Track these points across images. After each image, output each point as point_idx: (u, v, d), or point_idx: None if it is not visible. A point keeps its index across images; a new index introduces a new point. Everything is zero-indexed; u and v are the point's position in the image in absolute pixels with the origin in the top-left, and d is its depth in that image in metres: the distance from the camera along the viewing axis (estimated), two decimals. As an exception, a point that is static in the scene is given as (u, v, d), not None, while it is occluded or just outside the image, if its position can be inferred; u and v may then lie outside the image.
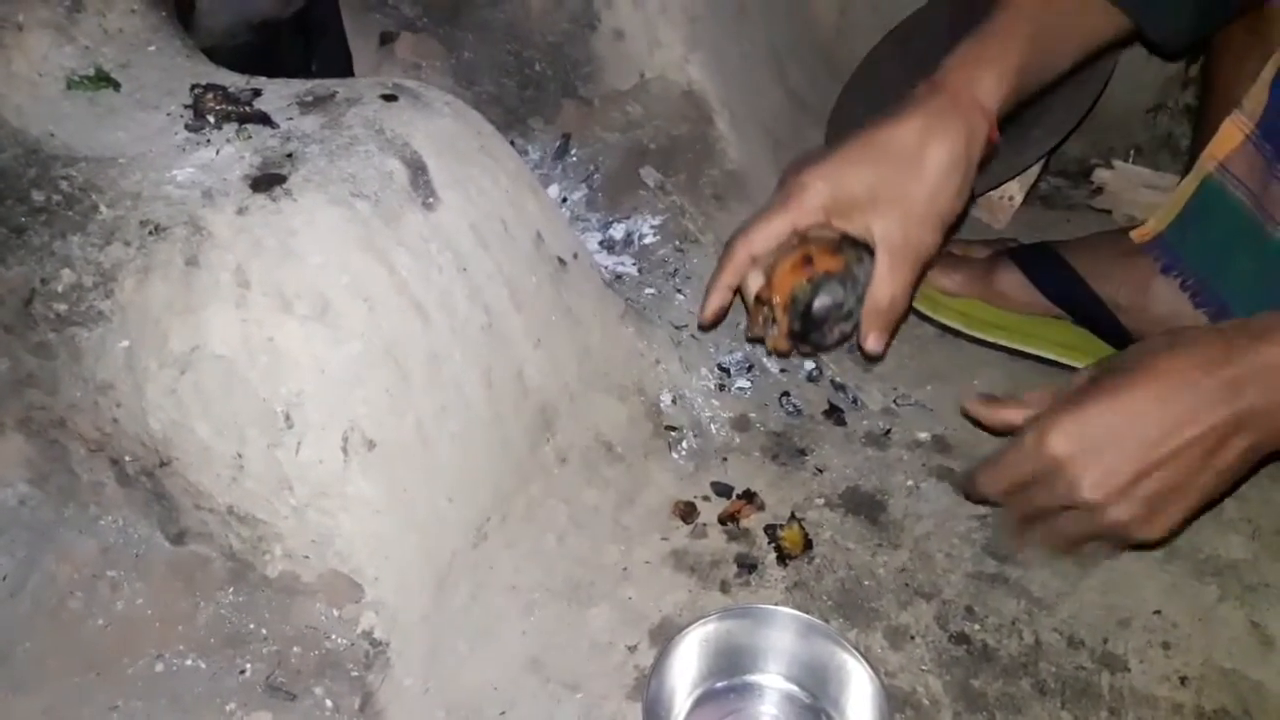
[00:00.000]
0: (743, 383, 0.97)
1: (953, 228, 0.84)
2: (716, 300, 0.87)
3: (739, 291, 0.89)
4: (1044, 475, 0.68)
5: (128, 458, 0.73)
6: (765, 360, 0.99)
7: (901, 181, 0.79)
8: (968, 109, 0.79)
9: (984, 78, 0.80)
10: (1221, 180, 0.91)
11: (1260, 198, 0.87)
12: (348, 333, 0.73)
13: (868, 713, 0.67)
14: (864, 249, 0.84)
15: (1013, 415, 0.75)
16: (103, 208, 0.75)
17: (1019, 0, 0.83)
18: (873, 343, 0.83)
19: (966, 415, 0.81)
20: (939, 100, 0.80)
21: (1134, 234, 0.98)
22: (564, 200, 1.10)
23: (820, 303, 0.84)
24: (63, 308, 0.73)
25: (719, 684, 0.72)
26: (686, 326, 0.98)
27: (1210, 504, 0.69)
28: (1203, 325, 0.69)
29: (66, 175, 0.78)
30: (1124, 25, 0.86)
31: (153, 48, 0.91)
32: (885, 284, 0.82)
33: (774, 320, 0.86)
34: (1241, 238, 0.89)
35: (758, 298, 0.87)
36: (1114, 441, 0.65)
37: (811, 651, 0.70)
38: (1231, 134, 0.89)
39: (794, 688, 0.71)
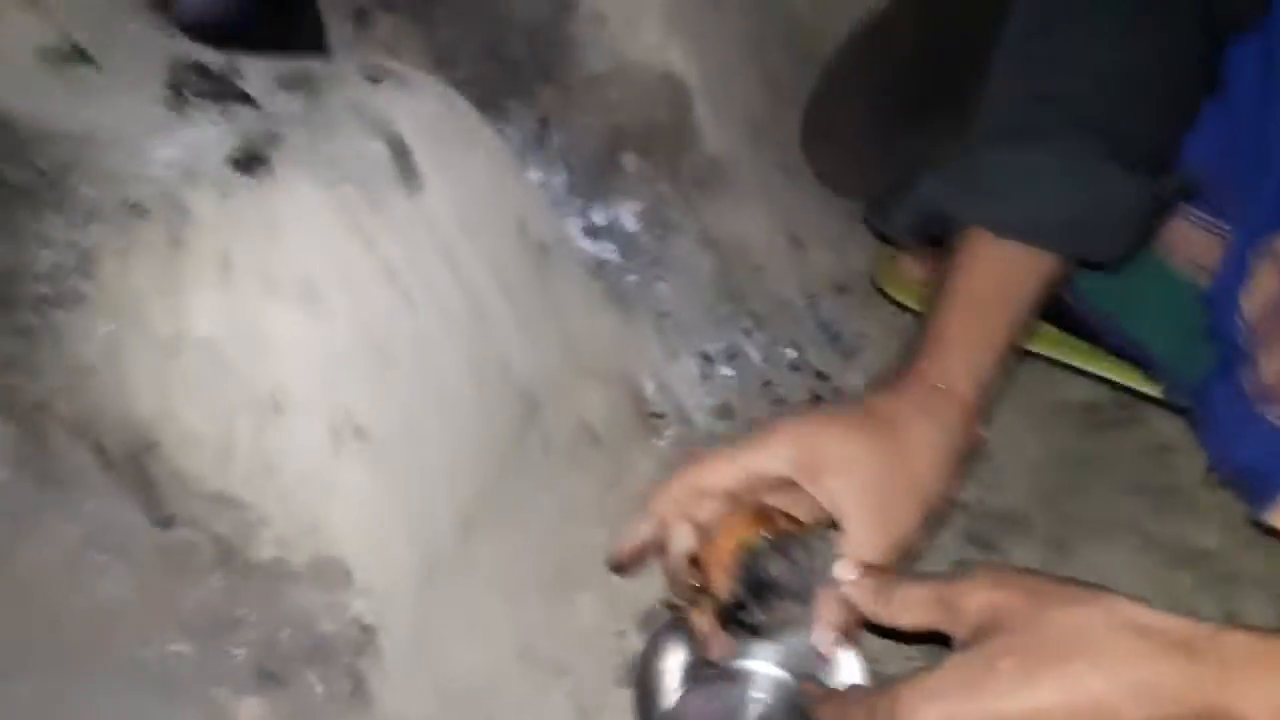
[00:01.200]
0: (726, 370, 0.97)
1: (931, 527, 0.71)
2: (643, 531, 0.69)
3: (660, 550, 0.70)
4: None
5: (111, 442, 0.72)
6: (748, 348, 0.99)
7: (885, 451, 0.66)
8: (948, 399, 0.70)
9: (955, 368, 0.70)
10: None
11: (1161, 234, 0.82)
12: (335, 318, 0.72)
13: None
14: (829, 530, 0.68)
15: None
16: (81, 187, 0.74)
17: (960, 288, 0.73)
18: (824, 639, 0.65)
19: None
20: (920, 386, 0.70)
21: None
22: (543, 185, 1.09)
23: (777, 566, 0.65)
24: (43, 289, 0.72)
25: (708, 670, 0.72)
26: (669, 314, 0.99)
27: None
28: (1167, 621, 0.48)
29: (43, 153, 0.76)
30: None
31: (128, 23, 0.89)
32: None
33: (702, 588, 0.67)
34: (1144, 277, 0.84)
35: (692, 558, 0.68)
36: None
37: (800, 638, 0.71)
38: None
39: (783, 674, 0.72)
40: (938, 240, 0.77)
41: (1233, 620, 0.78)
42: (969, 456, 0.72)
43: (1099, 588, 0.50)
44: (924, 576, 0.59)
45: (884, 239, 1.01)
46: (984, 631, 0.51)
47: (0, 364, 0.72)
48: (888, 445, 0.66)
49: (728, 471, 0.67)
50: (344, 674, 0.69)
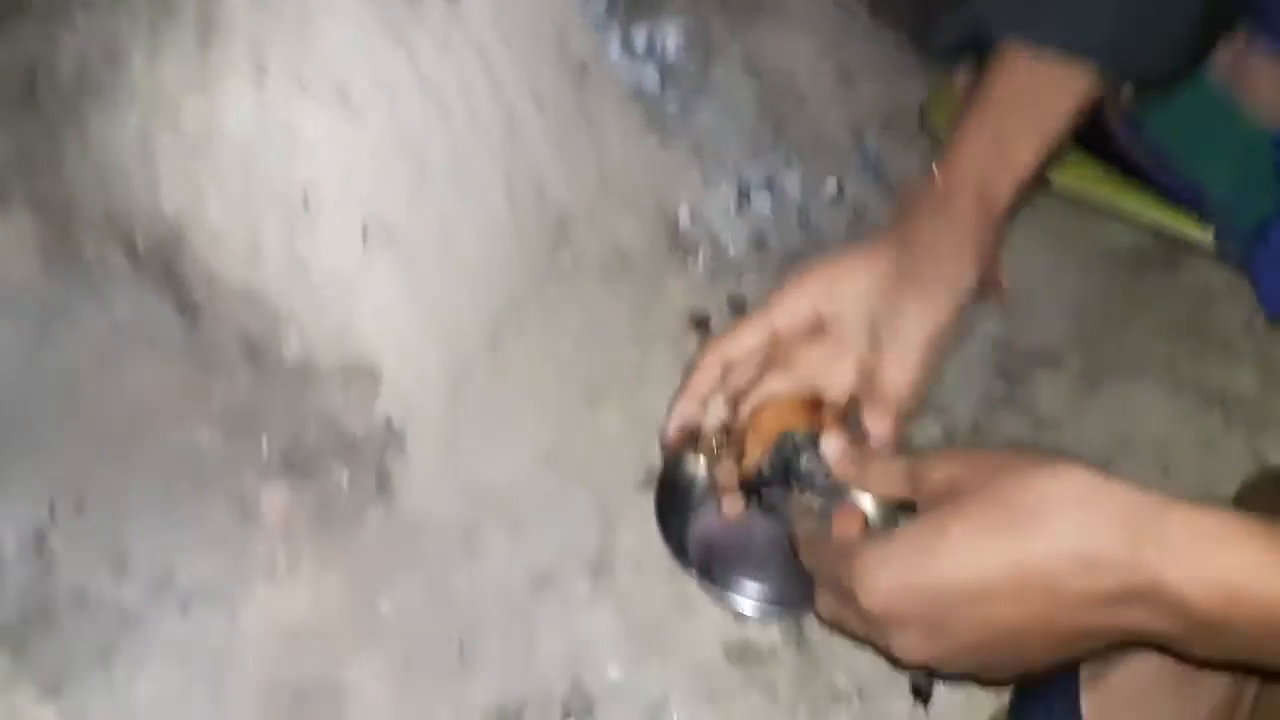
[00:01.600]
0: (762, 201, 0.95)
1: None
2: (684, 411, 0.68)
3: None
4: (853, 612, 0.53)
5: (140, 239, 0.72)
6: (786, 180, 0.97)
7: (898, 262, 0.66)
8: (961, 196, 0.68)
9: (969, 170, 0.68)
10: None
11: (1231, 70, 0.80)
12: (368, 120, 0.72)
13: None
14: None
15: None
16: (109, -24, 0.73)
17: (984, 100, 0.70)
18: (878, 427, 0.65)
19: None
20: (931, 192, 0.68)
21: None
22: (584, 6, 1.06)
23: (809, 459, 0.65)
24: (68, 84, 0.72)
25: None
26: (708, 142, 0.96)
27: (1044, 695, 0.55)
28: (1117, 493, 0.46)
29: (69, -58, 0.75)
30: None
31: None
32: (892, 375, 0.65)
33: (732, 452, 0.68)
34: (1210, 114, 0.83)
35: (728, 429, 0.69)
36: (943, 621, 0.49)
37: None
38: None
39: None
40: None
41: (1259, 462, 0.78)
42: (992, 252, 0.69)
43: (1059, 457, 0.50)
44: (899, 455, 0.60)
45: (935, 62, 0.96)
46: (941, 500, 0.52)
47: (26, 158, 0.72)
48: (901, 256, 0.66)
49: (754, 332, 0.68)
50: (369, 469, 0.70)
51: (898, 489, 0.57)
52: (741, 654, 0.67)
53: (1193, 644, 0.45)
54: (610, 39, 1.01)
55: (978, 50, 0.74)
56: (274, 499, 0.68)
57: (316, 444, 0.70)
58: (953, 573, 0.48)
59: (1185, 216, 0.93)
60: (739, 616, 0.69)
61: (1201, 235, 0.93)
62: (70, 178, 0.72)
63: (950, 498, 0.50)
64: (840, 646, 0.68)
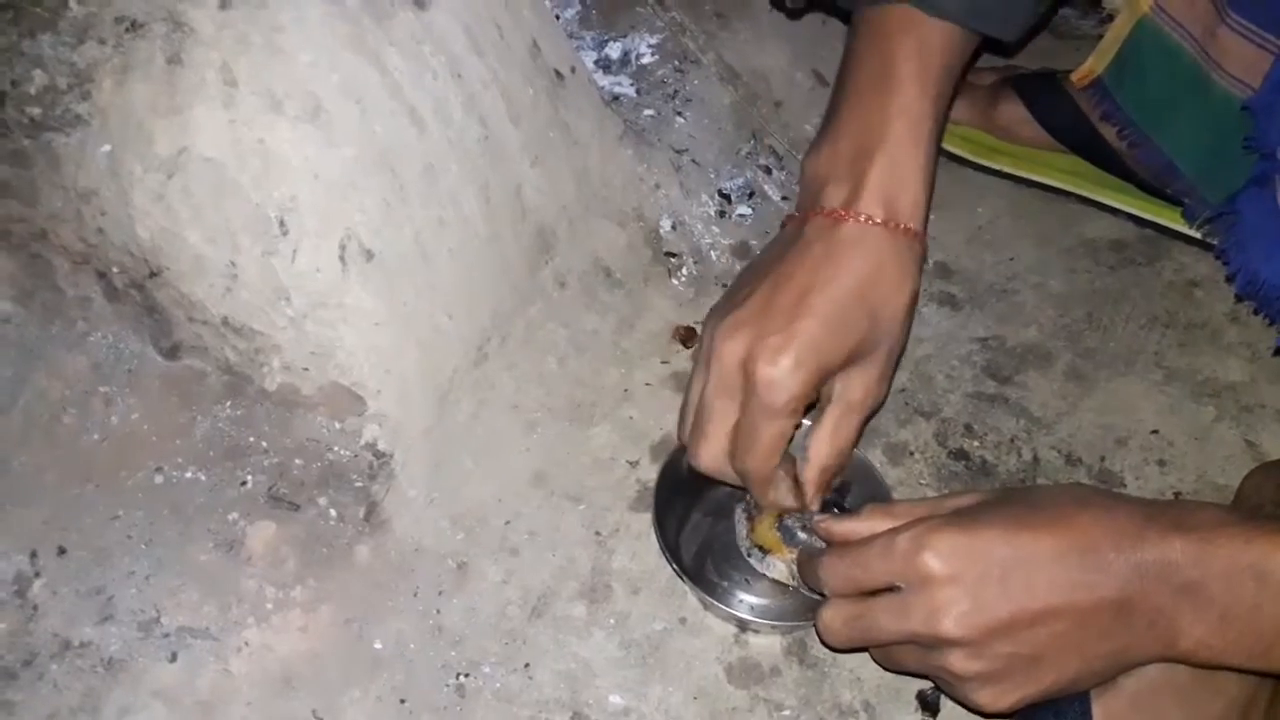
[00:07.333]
0: (744, 209, 0.95)
1: None
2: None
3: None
4: (904, 588, 0.55)
5: (115, 270, 0.70)
6: (767, 187, 0.96)
7: (874, 337, 0.64)
8: (906, 239, 0.65)
9: (902, 199, 0.65)
10: (1157, 22, 0.84)
11: (1203, 43, 0.81)
12: (341, 136, 0.70)
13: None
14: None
15: (877, 524, 0.59)
16: (73, 3, 0.70)
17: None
18: (814, 502, 0.67)
19: (821, 534, 0.63)
20: (879, 238, 0.64)
21: (1074, 75, 0.92)
22: (556, 17, 1.05)
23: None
24: (36, 111, 0.69)
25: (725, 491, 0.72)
26: (686, 151, 0.95)
27: (1054, 699, 0.56)
28: (1127, 496, 0.56)
29: (30, -31, 0.73)
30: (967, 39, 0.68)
31: None
32: (828, 441, 0.66)
33: None
34: (1183, 87, 0.83)
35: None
36: (999, 580, 0.53)
37: None
38: None
39: None
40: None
41: (1254, 452, 0.78)
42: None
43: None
44: None
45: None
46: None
47: (-3, 191, 0.71)
48: (876, 329, 0.64)
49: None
50: (357, 499, 0.69)
51: (924, 512, 0.59)
52: (744, 673, 0.66)
53: (1191, 618, 0.51)
54: (583, 52, 1.00)
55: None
56: (261, 534, 0.66)
57: (302, 475, 0.69)
58: (1007, 540, 0.53)
59: (1162, 207, 0.93)
60: (740, 632, 0.68)
61: (1180, 222, 0.93)
62: (41, 211, 0.70)
63: (986, 503, 0.58)
64: (845, 660, 0.67)
